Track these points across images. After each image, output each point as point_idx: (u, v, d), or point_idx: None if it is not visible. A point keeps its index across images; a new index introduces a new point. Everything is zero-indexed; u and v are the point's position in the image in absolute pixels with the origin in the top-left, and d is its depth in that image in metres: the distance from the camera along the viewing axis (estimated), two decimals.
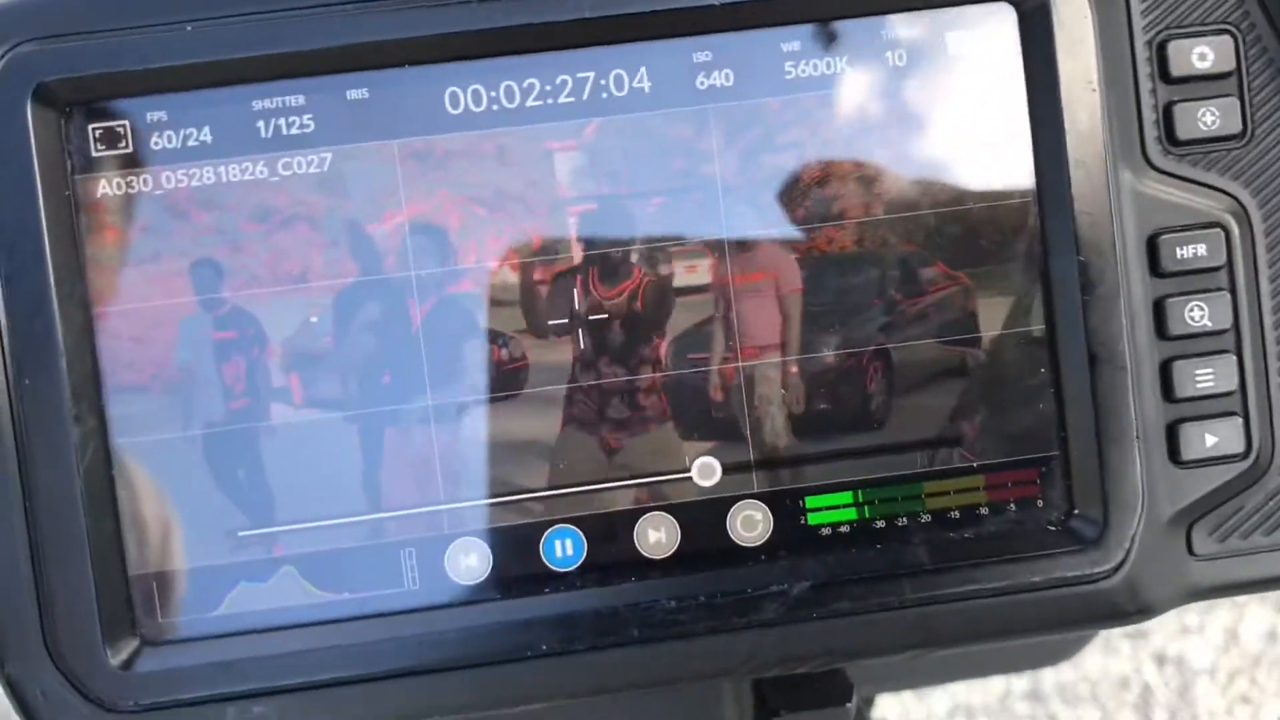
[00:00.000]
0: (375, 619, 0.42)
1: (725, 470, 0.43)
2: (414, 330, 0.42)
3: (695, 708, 0.47)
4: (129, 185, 0.42)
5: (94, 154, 0.41)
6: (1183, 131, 0.45)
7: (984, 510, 0.44)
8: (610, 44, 0.42)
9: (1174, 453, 0.45)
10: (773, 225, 0.43)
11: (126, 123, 0.41)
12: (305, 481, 0.42)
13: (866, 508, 0.44)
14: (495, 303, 0.43)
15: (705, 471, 0.43)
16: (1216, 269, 0.45)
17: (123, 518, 0.42)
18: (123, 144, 0.41)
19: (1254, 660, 1.24)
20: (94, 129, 0.41)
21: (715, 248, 0.43)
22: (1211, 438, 0.45)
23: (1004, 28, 0.44)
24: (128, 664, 0.41)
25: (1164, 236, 0.45)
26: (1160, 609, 0.45)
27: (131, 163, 0.41)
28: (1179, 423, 0.45)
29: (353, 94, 0.42)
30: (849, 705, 0.49)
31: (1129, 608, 0.44)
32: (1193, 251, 0.45)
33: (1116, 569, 0.44)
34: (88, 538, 0.41)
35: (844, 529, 0.44)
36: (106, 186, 0.42)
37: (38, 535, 0.41)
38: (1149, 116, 0.45)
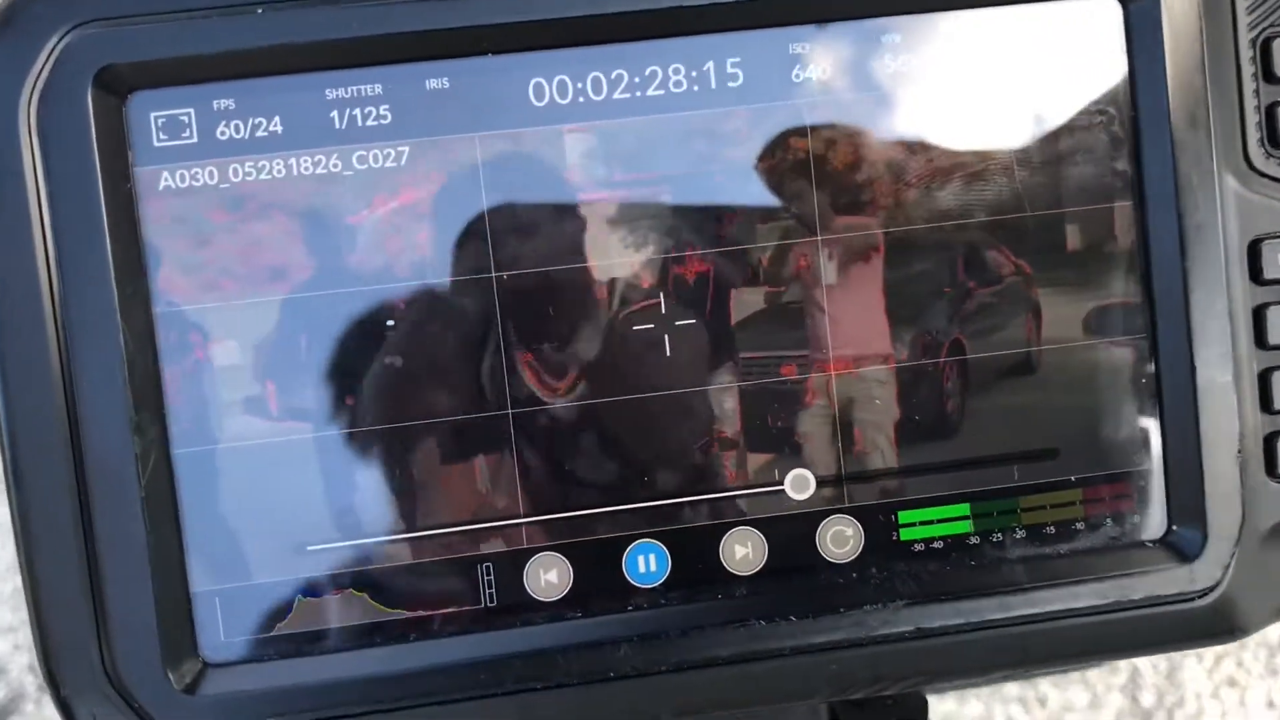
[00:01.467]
0: (451, 638, 0.40)
1: (819, 484, 0.41)
2: (494, 336, 0.40)
3: None
4: (194, 177, 0.39)
5: (157, 144, 0.39)
6: None
7: (1080, 525, 0.43)
8: (704, 33, 0.40)
9: (1271, 466, 0.43)
10: (867, 221, 0.41)
11: (191, 111, 0.39)
12: (377, 494, 0.40)
13: (961, 523, 0.42)
14: (573, 305, 0.41)
15: (799, 484, 0.41)
16: None
17: (185, 532, 0.39)
18: (187, 134, 0.39)
19: (1240, 643, 1.24)
20: (157, 117, 0.39)
21: (808, 246, 0.41)
22: None
23: (1108, 24, 0.42)
24: (191, 687, 0.39)
25: (1267, 243, 0.43)
26: (1253, 629, 0.44)
27: (196, 153, 0.39)
28: (1277, 435, 0.43)
29: (432, 84, 0.39)
30: None
31: (1224, 626, 0.43)
32: None
33: (1214, 587, 0.42)
34: (149, 554, 0.38)
35: (937, 545, 0.42)
36: (169, 179, 0.39)
37: (95, 551, 0.38)
38: (1251, 118, 0.43)
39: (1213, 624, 0.43)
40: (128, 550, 0.38)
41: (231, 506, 0.40)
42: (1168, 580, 0.42)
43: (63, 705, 0.39)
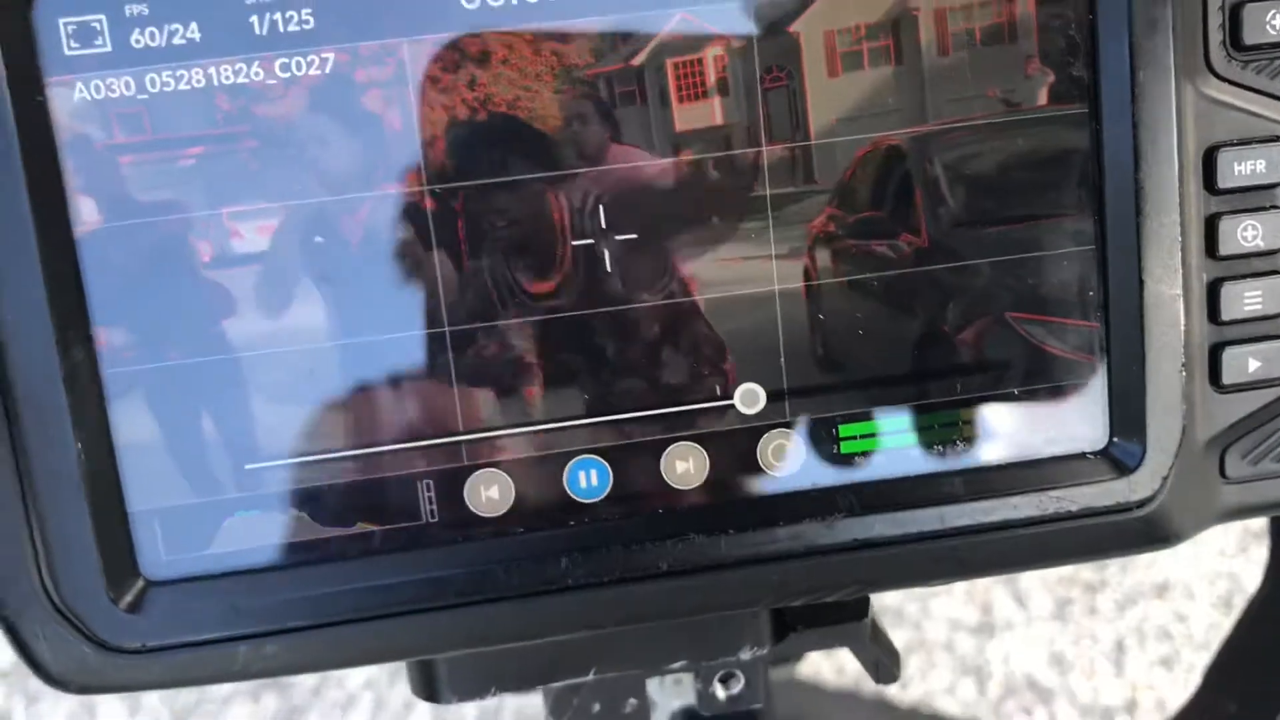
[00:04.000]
0: (392, 554, 0.40)
1: (768, 397, 0.41)
2: (429, 250, 0.39)
3: (711, 624, 0.46)
4: (109, 89, 0.37)
5: (68, 53, 0.37)
6: (1250, 35, 0.42)
7: (1021, 437, 0.43)
8: None
9: (1215, 376, 0.43)
10: (816, 128, 0.40)
11: (103, 17, 0.37)
12: (316, 411, 0.40)
13: (901, 435, 0.42)
14: (512, 218, 0.40)
15: (749, 399, 0.41)
16: (1273, 186, 0.42)
17: (120, 452, 0.39)
18: (99, 41, 0.37)
19: None
20: (66, 24, 0.37)
21: (752, 154, 0.40)
22: (1255, 362, 0.43)
23: None
24: (134, 605, 0.39)
25: (1223, 150, 0.42)
26: (1188, 535, 0.44)
27: (111, 63, 0.37)
28: (1223, 345, 0.43)
29: None
30: (866, 620, 0.48)
31: (1159, 535, 0.43)
32: (1251, 168, 0.42)
33: (1152, 497, 0.43)
34: (82, 475, 0.38)
35: (878, 458, 0.42)
36: (84, 90, 0.37)
37: (29, 474, 0.38)
38: (1214, 19, 0.42)
39: (1148, 534, 0.43)
40: (61, 473, 0.38)
41: (167, 426, 0.39)
42: (1106, 492, 0.42)
43: (7, 627, 0.39)
